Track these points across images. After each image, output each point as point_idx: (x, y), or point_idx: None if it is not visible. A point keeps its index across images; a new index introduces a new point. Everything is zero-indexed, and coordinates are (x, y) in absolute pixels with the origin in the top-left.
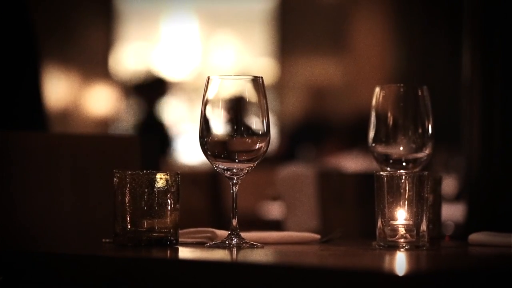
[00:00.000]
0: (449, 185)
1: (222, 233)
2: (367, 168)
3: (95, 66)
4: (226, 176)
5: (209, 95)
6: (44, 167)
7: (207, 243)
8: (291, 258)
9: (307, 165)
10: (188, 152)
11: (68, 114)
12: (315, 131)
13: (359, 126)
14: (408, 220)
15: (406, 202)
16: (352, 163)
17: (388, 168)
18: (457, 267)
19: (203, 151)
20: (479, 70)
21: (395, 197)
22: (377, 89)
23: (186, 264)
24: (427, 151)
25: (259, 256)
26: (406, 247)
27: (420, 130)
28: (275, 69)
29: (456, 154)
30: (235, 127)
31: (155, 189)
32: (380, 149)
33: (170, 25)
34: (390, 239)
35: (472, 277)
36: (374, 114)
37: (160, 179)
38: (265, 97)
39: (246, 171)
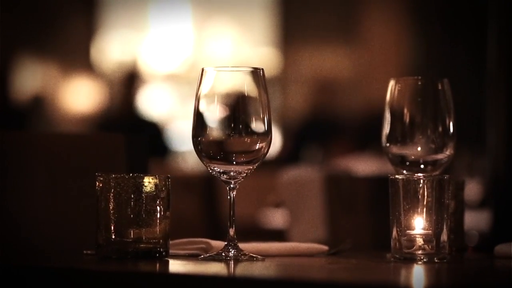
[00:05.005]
0: (472, 190)
1: (218, 244)
2: (381, 171)
3: (75, 57)
4: (222, 180)
5: (203, 89)
6: (17, 170)
7: (201, 255)
8: (296, 272)
9: (313, 168)
10: (179, 152)
11: (45, 110)
12: (322, 129)
13: (372, 124)
14: (427, 230)
15: (425, 209)
16: (363, 165)
17: (404, 171)
18: (481, 283)
19: (196, 151)
20: (505, 61)
21: (412, 203)
22: (392, 82)
23: (178, 279)
24: (448, 152)
25: (260, 269)
26: (425, 260)
27: (440, 129)
28: (277, 60)
29: (480, 155)
30: (232, 125)
31: (143, 195)
32: (395, 149)
33: (159, 10)
34: (406, 250)
35: None
36: (389, 110)
37: (148, 183)
38: (266, 91)
39: (245, 174)
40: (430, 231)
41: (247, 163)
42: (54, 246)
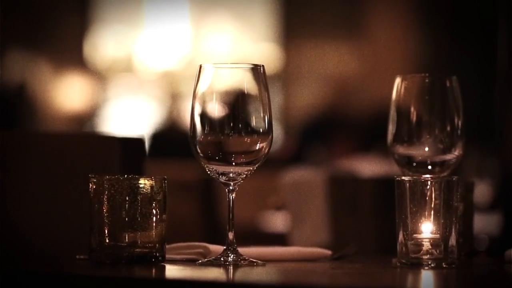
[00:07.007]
0: (482, 192)
1: (217, 249)
2: (386, 172)
3: (68, 53)
4: (221, 182)
5: (201, 87)
6: (7, 171)
7: (198, 260)
8: (298, 277)
9: (316, 169)
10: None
11: (36, 109)
12: (325, 129)
13: (377, 124)
14: (435, 233)
15: (432, 212)
16: (368, 166)
17: (411, 172)
18: None
19: (194, 152)
20: None
21: (419, 206)
22: (398, 80)
23: (174, 285)
24: (456, 152)
25: (260, 275)
26: (432, 265)
27: (448, 128)
28: (278, 57)
29: (490, 155)
30: (231, 124)
31: (138, 197)
32: (402, 150)
33: (155, 5)
34: (413, 255)
35: None
36: (395, 109)
37: (144, 185)
38: (266, 89)
39: (244, 175)
40: (438, 235)
41: (247, 164)
42: (46, 250)
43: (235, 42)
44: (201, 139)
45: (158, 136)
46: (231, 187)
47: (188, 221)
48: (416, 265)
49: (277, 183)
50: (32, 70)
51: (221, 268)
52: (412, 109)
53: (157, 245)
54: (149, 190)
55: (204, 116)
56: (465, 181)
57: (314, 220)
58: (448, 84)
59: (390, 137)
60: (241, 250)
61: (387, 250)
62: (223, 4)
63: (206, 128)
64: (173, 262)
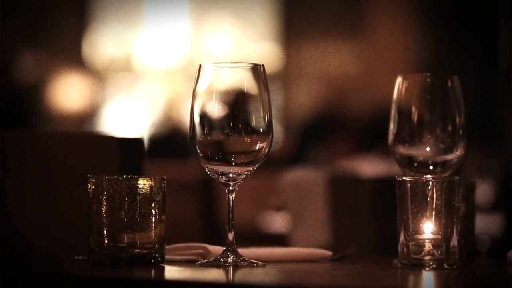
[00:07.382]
0: (484, 192)
1: (216, 249)
2: (387, 172)
3: (67, 52)
4: (221, 182)
5: (201, 87)
6: (7, 171)
7: (198, 261)
8: (298, 278)
9: (316, 169)
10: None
11: (35, 109)
12: (326, 129)
13: (378, 123)
14: (436, 234)
15: (434, 213)
16: (369, 166)
17: (412, 173)
18: None
19: (194, 152)
20: None
21: (421, 206)
22: (399, 79)
23: (174, 286)
24: (458, 153)
25: (260, 276)
26: (434, 266)
27: (449, 128)
28: (278, 56)
29: (491, 155)
30: (231, 124)
31: (137, 197)
32: (403, 150)
33: (154, 4)
34: (414, 256)
35: None
36: (396, 108)
37: (143, 185)
38: (266, 88)
39: (244, 176)
40: (439, 236)
41: (247, 164)
42: (46, 250)
43: (235, 41)
44: (200, 139)
45: (158, 136)
46: (231, 188)
47: (187, 221)
48: (417, 266)
49: (277, 183)
50: (31, 69)
51: (221, 269)
52: (413, 109)
53: (156, 245)
54: (148, 190)
55: (204, 116)
56: (466, 181)
57: (314, 221)
58: (449, 84)
59: (391, 137)
60: (241, 250)
61: (388, 251)
62: (223, 3)
63: (206, 128)
64: (172, 263)
